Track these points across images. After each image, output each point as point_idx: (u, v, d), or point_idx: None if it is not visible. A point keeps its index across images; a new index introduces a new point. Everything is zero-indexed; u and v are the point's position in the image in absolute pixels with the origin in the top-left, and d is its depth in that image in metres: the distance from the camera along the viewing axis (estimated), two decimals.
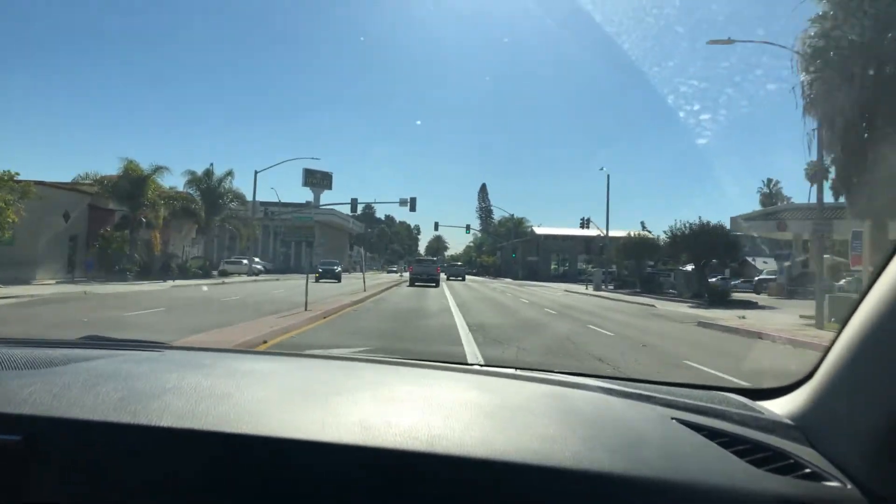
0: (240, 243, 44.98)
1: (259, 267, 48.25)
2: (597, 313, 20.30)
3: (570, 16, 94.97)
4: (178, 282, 31.42)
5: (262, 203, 65.09)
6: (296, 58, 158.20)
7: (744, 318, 18.24)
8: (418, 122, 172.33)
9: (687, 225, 31.09)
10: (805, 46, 16.78)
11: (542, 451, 1.05)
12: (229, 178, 42.96)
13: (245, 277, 41.34)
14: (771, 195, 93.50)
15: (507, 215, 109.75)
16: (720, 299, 27.10)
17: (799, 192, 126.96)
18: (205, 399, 1.21)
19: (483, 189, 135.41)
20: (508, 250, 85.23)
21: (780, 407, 1.38)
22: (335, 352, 3.37)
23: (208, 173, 42.69)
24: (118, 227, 33.14)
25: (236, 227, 42.19)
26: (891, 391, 1.03)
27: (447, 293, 30.19)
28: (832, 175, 18.79)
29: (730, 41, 18.81)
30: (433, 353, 9.05)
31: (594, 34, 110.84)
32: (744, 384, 2.05)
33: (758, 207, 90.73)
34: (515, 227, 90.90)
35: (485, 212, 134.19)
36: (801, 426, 1.25)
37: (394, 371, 1.80)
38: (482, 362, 2.15)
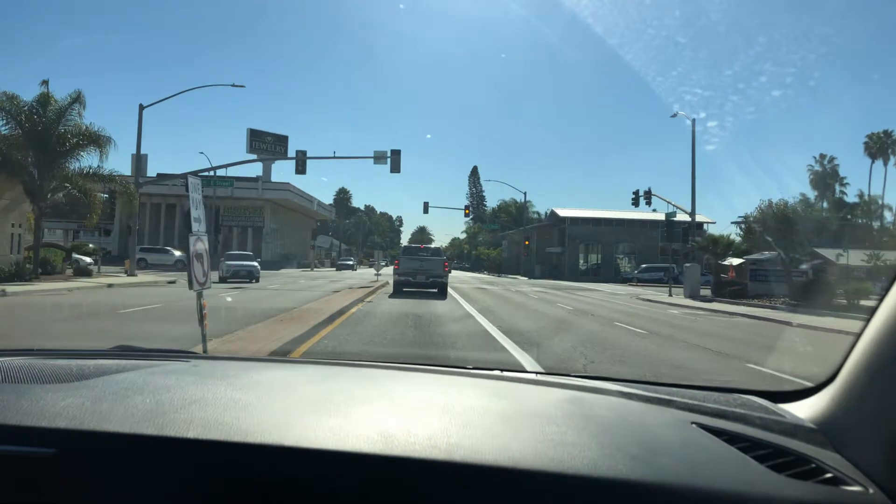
0: (90, 218, 26.19)
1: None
2: None
3: (570, 28, 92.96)
4: None
5: (189, 174, 47.34)
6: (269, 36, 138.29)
7: None
8: (428, 136, 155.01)
9: None
10: None
11: (558, 458, 1.05)
12: (77, 106, 24.48)
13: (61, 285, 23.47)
14: (825, 175, 77.98)
15: (506, 200, 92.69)
16: None
17: (854, 171, 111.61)
18: (229, 410, 1.24)
19: (474, 172, 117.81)
20: (518, 239, 66.90)
21: (802, 410, 1.36)
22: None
23: (43, 100, 24.26)
24: None
25: (84, 191, 23.48)
26: None
27: (481, 320, 12.67)
28: None
29: None
30: (452, 358, 8.38)
31: (596, 46, 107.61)
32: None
33: (808, 189, 75.47)
34: (520, 213, 73.16)
35: (477, 198, 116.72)
36: (824, 430, 1.24)
37: (413, 377, 1.81)
38: (503, 367, 1.90)
